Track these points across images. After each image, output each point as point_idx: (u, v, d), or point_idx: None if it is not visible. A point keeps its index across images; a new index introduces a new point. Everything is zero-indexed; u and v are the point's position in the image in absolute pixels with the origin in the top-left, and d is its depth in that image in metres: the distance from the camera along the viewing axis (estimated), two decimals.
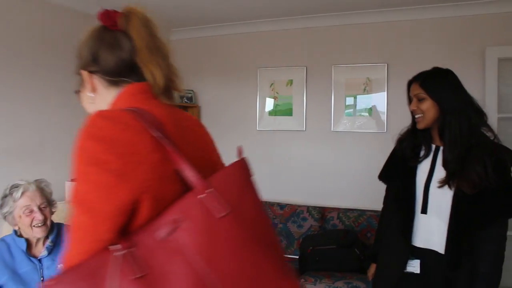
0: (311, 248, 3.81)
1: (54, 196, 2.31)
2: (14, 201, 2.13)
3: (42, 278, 2.10)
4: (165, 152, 0.93)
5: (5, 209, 2.15)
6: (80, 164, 0.91)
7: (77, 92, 1.19)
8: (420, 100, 1.99)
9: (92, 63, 1.11)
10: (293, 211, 4.33)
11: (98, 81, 1.12)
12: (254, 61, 4.75)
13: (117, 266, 0.85)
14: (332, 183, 4.44)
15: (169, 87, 1.10)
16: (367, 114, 4.32)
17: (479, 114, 1.95)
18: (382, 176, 2.27)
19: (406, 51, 4.13)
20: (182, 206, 0.90)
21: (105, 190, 0.88)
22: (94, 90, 1.12)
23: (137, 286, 0.84)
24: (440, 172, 1.97)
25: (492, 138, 1.95)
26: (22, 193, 2.13)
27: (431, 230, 1.99)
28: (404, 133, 2.16)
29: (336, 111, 4.43)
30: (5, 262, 2.08)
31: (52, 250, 2.16)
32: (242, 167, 0.99)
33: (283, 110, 4.64)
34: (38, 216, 2.12)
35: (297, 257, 3.96)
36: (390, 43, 4.18)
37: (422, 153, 2.06)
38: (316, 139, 4.54)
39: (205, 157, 1.11)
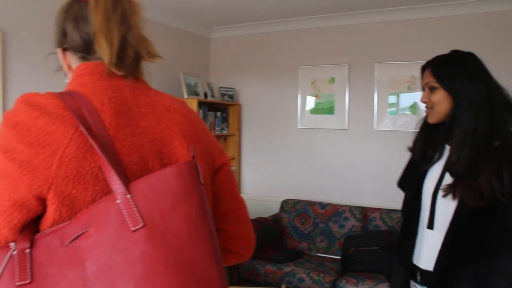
0: (353, 248, 3.75)
1: None
2: None
3: None
4: (87, 147, 0.81)
5: None
6: None
7: (58, 69, 1.07)
8: (432, 89, 1.64)
9: (63, 39, 0.99)
10: (335, 211, 4.27)
11: (71, 59, 1.00)
12: (295, 59, 4.72)
13: (7, 266, 0.77)
14: (374, 182, 4.36)
15: (132, 59, 0.95)
16: (409, 112, 4.21)
17: (509, 109, 1.56)
18: (400, 184, 1.89)
19: (454, 47, 3.98)
20: (97, 210, 0.77)
21: (5, 180, 0.79)
22: (69, 68, 1.01)
23: None
24: (449, 179, 1.60)
25: None
26: None
27: (437, 249, 1.58)
28: (418, 131, 1.77)
29: (379, 109, 4.34)
30: None
31: None
32: (182, 172, 0.81)
33: (324, 109, 4.58)
34: None
35: (339, 257, 3.92)
36: (437, 40, 4.05)
37: (435, 155, 1.68)
38: (358, 138, 4.46)
39: (165, 151, 0.93)
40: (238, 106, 4.96)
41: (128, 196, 0.76)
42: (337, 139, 4.57)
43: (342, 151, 4.55)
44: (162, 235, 0.76)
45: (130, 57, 0.95)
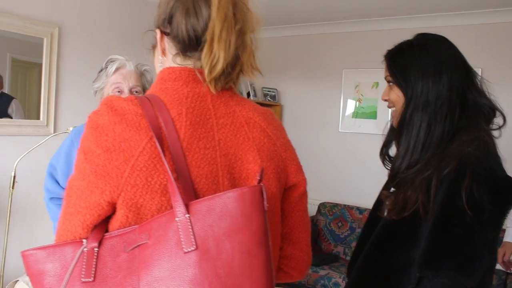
0: None
1: None
2: (107, 76, 1.88)
3: None
4: (159, 157, 0.81)
5: (97, 84, 1.93)
6: (78, 147, 0.87)
7: (153, 47, 1.05)
8: (390, 85, 1.34)
9: (166, 24, 0.95)
10: None
11: (168, 46, 0.97)
12: (339, 62, 4.70)
13: (76, 261, 0.80)
14: None
15: (230, 72, 0.91)
16: None
17: (476, 110, 1.24)
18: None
19: (500, 55, 3.88)
20: (158, 223, 0.78)
21: (83, 182, 0.83)
22: (163, 53, 0.98)
23: None
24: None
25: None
26: (117, 69, 1.87)
27: None
28: (386, 133, 1.47)
29: None
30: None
31: None
32: (245, 197, 0.77)
33: (367, 113, 4.54)
34: None
35: None
36: (484, 47, 3.95)
37: None
38: None
39: (237, 167, 0.92)
40: (279, 107, 4.98)
41: (187, 215, 0.76)
42: (378, 144, 4.49)
43: None
44: (213, 261, 0.74)
45: (235, 74, 0.94)
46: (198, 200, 0.78)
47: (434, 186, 1.15)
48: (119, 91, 1.86)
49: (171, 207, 0.79)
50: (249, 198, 0.77)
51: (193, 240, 0.75)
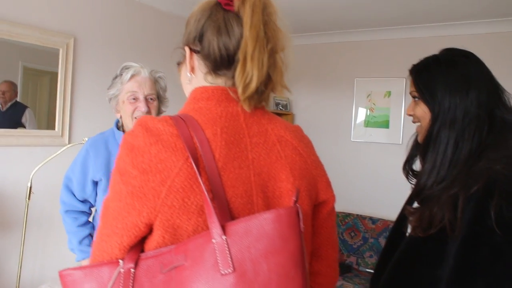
0: None
1: None
2: (122, 83, 1.89)
3: None
4: (194, 179, 0.81)
5: (112, 91, 1.94)
6: (114, 168, 0.88)
7: (179, 64, 1.05)
8: (416, 100, 1.33)
9: (196, 42, 0.95)
10: (386, 227, 4.19)
11: (198, 63, 0.97)
12: (351, 71, 4.69)
13: (113, 282, 0.81)
14: None
15: (263, 90, 0.92)
16: None
17: (507, 126, 1.21)
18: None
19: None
20: (194, 245, 0.78)
21: (119, 203, 0.83)
22: (192, 70, 0.98)
23: None
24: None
25: None
26: (132, 76, 1.88)
27: None
28: (409, 148, 1.45)
29: None
30: (102, 158, 1.90)
31: None
32: (281, 218, 0.77)
33: (379, 122, 4.52)
34: (142, 107, 1.85)
35: None
36: (490, 55, 3.93)
37: None
38: None
39: (270, 185, 0.92)
40: (291, 116, 4.97)
41: (224, 237, 0.76)
42: (390, 154, 4.50)
43: (395, 166, 4.45)
44: (250, 283, 0.74)
45: (267, 92, 0.94)
46: (234, 221, 0.77)
47: (461, 204, 1.12)
48: (134, 99, 1.87)
49: (207, 228, 0.79)
50: (285, 219, 0.77)
51: (230, 262, 0.74)
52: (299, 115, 5.02)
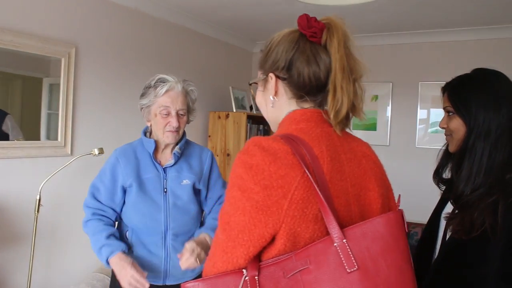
0: None
1: None
2: (156, 96, 1.94)
3: (165, 190, 1.97)
4: (311, 191, 0.90)
5: (144, 101, 1.98)
6: (230, 186, 0.95)
7: (251, 84, 1.16)
8: (450, 114, 1.46)
9: (284, 71, 1.04)
10: None
11: (283, 89, 1.07)
12: None
13: None
14: (416, 198, 4.43)
15: (349, 115, 1.03)
16: None
17: None
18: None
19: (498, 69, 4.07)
20: (316, 249, 0.87)
21: (244, 217, 0.90)
22: (276, 95, 1.07)
23: None
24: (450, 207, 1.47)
25: None
26: (167, 91, 1.94)
27: None
28: (440, 158, 1.58)
29: (421, 127, 4.45)
30: (132, 164, 1.97)
31: (179, 160, 2.02)
32: (391, 221, 0.89)
33: (367, 125, 4.68)
34: (173, 122, 1.94)
35: None
36: (483, 62, 4.13)
37: None
38: (400, 154, 4.55)
39: (362, 195, 1.02)
40: None
41: (344, 240, 0.86)
42: (378, 154, 4.63)
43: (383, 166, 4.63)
44: (373, 278, 0.84)
45: (351, 118, 1.05)
46: (350, 226, 0.88)
47: (502, 210, 1.25)
48: (167, 113, 1.94)
49: (322, 234, 0.89)
50: (394, 221, 0.90)
51: (354, 261, 0.85)
52: None
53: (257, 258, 0.91)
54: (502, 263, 1.26)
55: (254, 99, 1.21)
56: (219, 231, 0.94)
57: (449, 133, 1.48)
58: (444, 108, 1.49)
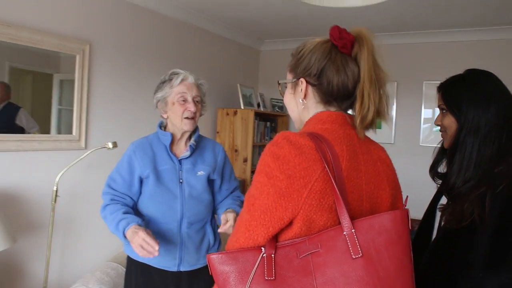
0: None
1: None
2: (171, 87, 2.07)
3: (180, 181, 2.08)
4: (329, 184, 0.99)
5: (160, 94, 2.10)
6: (258, 172, 1.05)
7: (280, 84, 1.26)
8: (443, 112, 1.56)
9: (315, 78, 1.14)
10: None
11: (311, 93, 1.17)
12: None
13: (258, 265, 0.98)
14: (419, 195, 4.50)
15: (374, 120, 1.11)
16: None
17: None
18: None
19: (501, 70, 4.14)
20: (327, 236, 0.97)
21: (267, 201, 1.00)
22: (305, 97, 1.18)
23: (264, 286, 0.97)
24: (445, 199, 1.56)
25: None
26: (182, 80, 2.07)
27: None
28: (436, 153, 1.69)
29: (425, 126, 4.55)
30: (148, 156, 2.07)
31: (194, 152, 2.13)
32: (397, 218, 0.99)
33: None
34: (191, 107, 2.06)
35: None
36: (487, 62, 4.21)
37: None
38: (404, 152, 4.63)
39: (374, 193, 1.12)
40: (286, 117, 5.15)
41: (353, 230, 0.96)
42: None
43: None
44: (375, 266, 0.95)
45: (375, 122, 1.13)
46: (360, 219, 0.98)
47: (489, 200, 1.35)
48: (183, 100, 2.06)
49: (334, 223, 1.00)
50: (400, 219, 0.99)
51: (359, 249, 0.95)
52: None
53: (275, 239, 1.01)
54: (488, 249, 1.35)
55: (282, 96, 1.30)
56: (244, 211, 1.05)
57: (443, 130, 1.57)
58: (438, 106, 1.59)
